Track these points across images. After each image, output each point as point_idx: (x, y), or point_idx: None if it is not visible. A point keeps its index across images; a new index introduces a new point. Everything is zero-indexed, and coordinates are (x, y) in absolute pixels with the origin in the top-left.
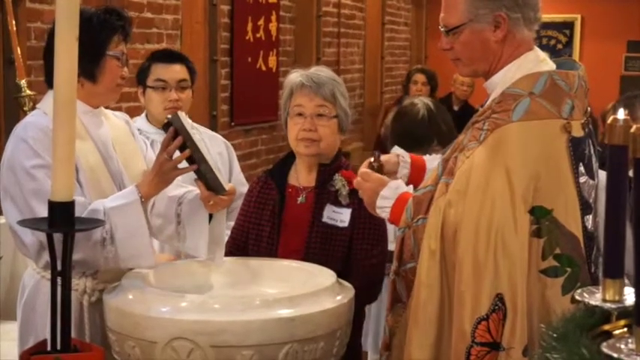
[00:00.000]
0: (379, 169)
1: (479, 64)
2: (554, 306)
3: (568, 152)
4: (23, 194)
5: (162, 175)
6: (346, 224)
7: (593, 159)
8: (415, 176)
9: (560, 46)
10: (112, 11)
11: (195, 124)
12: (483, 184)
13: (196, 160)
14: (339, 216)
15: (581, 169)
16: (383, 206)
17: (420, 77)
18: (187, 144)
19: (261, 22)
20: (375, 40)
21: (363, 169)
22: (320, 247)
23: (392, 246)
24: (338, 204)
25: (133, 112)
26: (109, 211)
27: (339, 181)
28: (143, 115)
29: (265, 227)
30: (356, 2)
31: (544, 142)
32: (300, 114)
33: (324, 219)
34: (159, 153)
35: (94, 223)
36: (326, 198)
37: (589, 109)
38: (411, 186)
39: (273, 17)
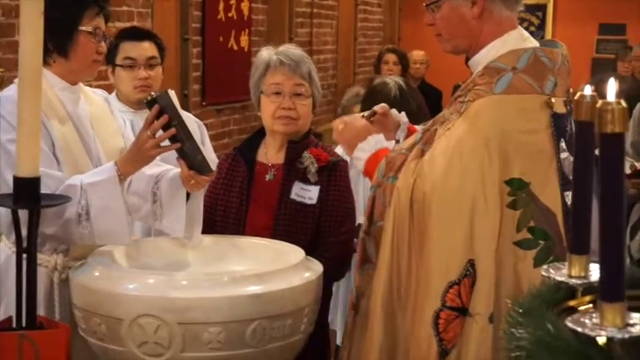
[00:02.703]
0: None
1: (458, 40)
2: (524, 278)
3: (550, 127)
4: None
5: (143, 152)
6: (314, 201)
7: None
8: None
9: (532, 28)
10: None
11: None
12: (459, 151)
13: (181, 139)
14: (308, 193)
15: (563, 144)
16: (359, 157)
17: (391, 57)
18: (173, 123)
19: (233, 1)
20: (348, 20)
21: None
22: (289, 224)
23: (361, 219)
24: (307, 181)
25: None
26: (86, 187)
27: (307, 159)
28: (113, 94)
29: (233, 204)
30: None
31: (525, 116)
32: (277, 92)
33: (293, 196)
34: (141, 130)
35: (60, 199)
36: (294, 175)
37: (571, 89)
38: (393, 142)
39: None
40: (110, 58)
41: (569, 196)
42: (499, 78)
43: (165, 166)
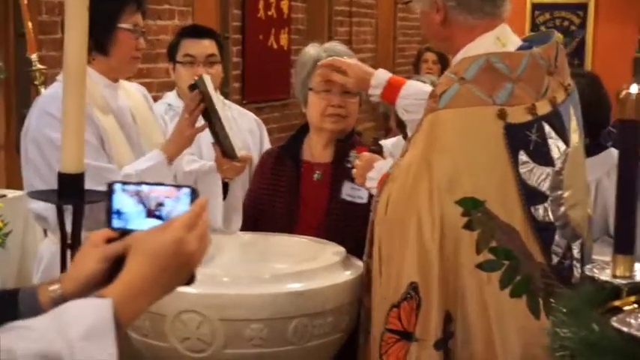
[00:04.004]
0: (378, 151)
1: (435, 42)
2: (491, 301)
3: (503, 140)
4: (49, 165)
5: (181, 132)
6: (364, 201)
7: (553, 143)
8: None
9: (573, 27)
10: None
11: (226, 101)
12: (407, 171)
13: (211, 120)
14: (358, 192)
15: (522, 157)
16: (371, 186)
17: (430, 56)
18: (204, 104)
19: None
20: (387, 19)
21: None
22: (340, 223)
23: None
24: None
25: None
26: (140, 174)
27: (355, 158)
28: (174, 90)
29: (280, 203)
30: None
31: (472, 130)
32: (327, 90)
33: (344, 196)
34: (182, 112)
35: (103, 195)
36: (343, 174)
37: (547, 88)
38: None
39: None
40: (171, 54)
41: (539, 209)
42: (444, 91)
43: (202, 162)
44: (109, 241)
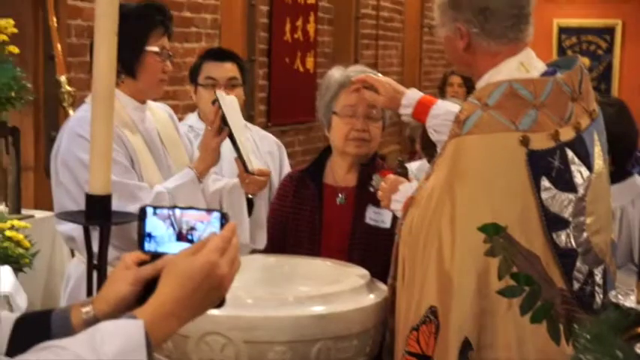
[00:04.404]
0: (403, 174)
1: (459, 66)
2: (510, 327)
3: (526, 166)
4: (81, 186)
5: (206, 145)
6: (388, 225)
7: (575, 169)
8: None
9: (600, 51)
10: (151, 6)
11: (248, 124)
12: (430, 196)
13: (230, 132)
14: (381, 217)
15: (545, 183)
16: (395, 208)
17: (455, 79)
18: (223, 117)
19: (299, 22)
20: (413, 43)
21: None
22: (364, 248)
23: None
24: (379, 204)
25: (185, 110)
26: (172, 191)
27: (379, 181)
28: (196, 112)
29: (305, 226)
30: (395, 5)
31: (495, 156)
32: (351, 114)
33: (367, 220)
34: (205, 127)
35: (129, 216)
36: (367, 198)
37: (571, 114)
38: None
39: (312, 18)
40: (193, 77)
41: (561, 235)
42: (468, 117)
43: (225, 179)
44: (141, 263)
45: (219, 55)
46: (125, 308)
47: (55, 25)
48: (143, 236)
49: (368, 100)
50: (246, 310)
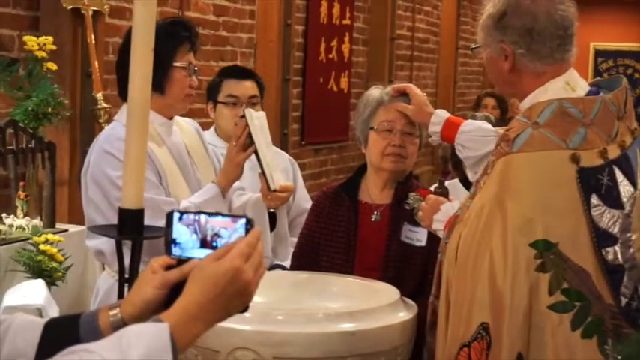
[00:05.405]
0: (444, 194)
1: (501, 87)
2: (561, 343)
3: (576, 184)
4: (110, 203)
5: (231, 160)
6: (423, 243)
7: (622, 186)
8: None
9: (637, 75)
10: (178, 22)
11: None
12: (479, 214)
13: (255, 147)
14: (416, 235)
15: (594, 200)
16: (437, 228)
17: (489, 101)
18: (248, 132)
19: (334, 43)
20: (448, 64)
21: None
22: (398, 265)
23: None
24: (414, 223)
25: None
26: (199, 206)
27: (416, 200)
28: (212, 129)
29: (339, 244)
30: (430, 26)
31: (546, 173)
32: (389, 130)
33: (403, 238)
34: (230, 142)
35: (161, 231)
36: (402, 216)
37: (617, 133)
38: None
39: (347, 39)
40: (212, 94)
41: (610, 251)
42: (518, 134)
43: (248, 194)
44: (168, 268)
45: (239, 73)
46: (151, 311)
47: (93, 42)
48: (170, 241)
49: (405, 118)
50: (276, 325)
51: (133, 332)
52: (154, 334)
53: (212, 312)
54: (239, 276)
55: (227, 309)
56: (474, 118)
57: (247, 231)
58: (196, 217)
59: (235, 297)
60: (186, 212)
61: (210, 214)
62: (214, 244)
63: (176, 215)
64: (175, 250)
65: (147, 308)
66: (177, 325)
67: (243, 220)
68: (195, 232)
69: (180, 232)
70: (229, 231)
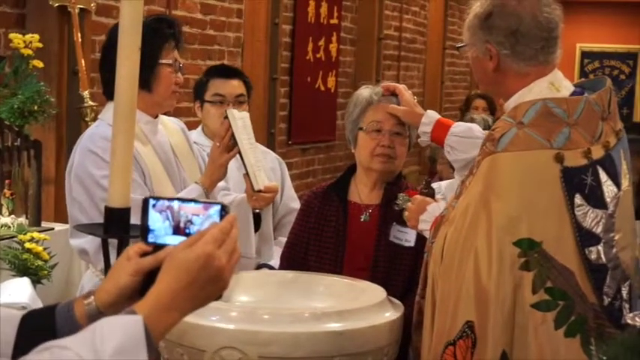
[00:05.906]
0: (430, 194)
1: (486, 86)
2: (545, 341)
3: (560, 183)
4: (94, 202)
5: (214, 161)
6: (412, 244)
7: (606, 186)
8: None
9: (623, 76)
10: (162, 20)
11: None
12: (465, 213)
13: (240, 148)
14: (405, 235)
15: (578, 200)
16: (423, 228)
17: (480, 103)
18: (232, 133)
19: (321, 42)
20: (435, 64)
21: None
22: (387, 265)
23: None
24: (403, 223)
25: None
26: None
27: (405, 200)
28: (199, 128)
29: (328, 244)
30: (418, 26)
31: (531, 173)
32: (378, 130)
33: (391, 238)
34: (214, 142)
35: None
36: (391, 217)
37: (601, 133)
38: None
39: (334, 38)
40: (199, 93)
41: (593, 251)
42: (503, 134)
43: (233, 194)
44: (143, 254)
45: (225, 72)
46: (126, 299)
47: (80, 40)
48: (145, 228)
49: (394, 118)
50: (262, 325)
51: (106, 325)
52: (127, 327)
53: (186, 300)
54: (211, 262)
55: (201, 297)
56: (471, 121)
57: (222, 217)
58: (170, 204)
59: (209, 284)
60: (161, 198)
61: (183, 200)
62: (187, 231)
63: (151, 201)
64: (150, 237)
65: (121, 295)
66: (150, 316)
67: (217, 207)
68: (168, 219)
69: (154, 219)
70: (202, 217)
